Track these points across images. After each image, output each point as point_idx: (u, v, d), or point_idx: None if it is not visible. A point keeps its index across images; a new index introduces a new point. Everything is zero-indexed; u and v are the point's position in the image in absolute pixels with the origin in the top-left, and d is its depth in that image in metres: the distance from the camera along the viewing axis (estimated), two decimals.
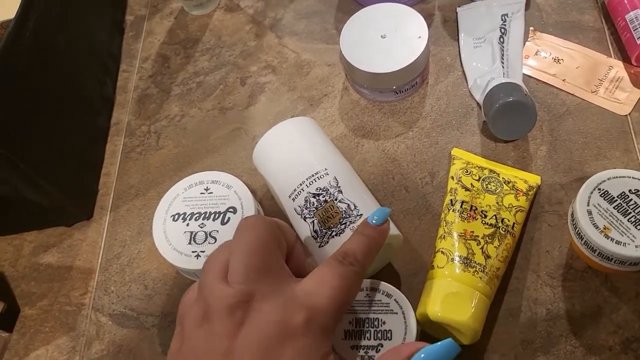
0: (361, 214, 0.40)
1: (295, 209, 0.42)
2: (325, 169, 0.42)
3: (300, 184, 0.42)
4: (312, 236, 0.41)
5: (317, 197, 0.41)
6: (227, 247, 0.34)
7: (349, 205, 0.41)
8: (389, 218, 0.41)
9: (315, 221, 0.41)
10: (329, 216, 0.41)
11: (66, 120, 0.52)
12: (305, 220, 0.41)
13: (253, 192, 0.47)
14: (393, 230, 0.41)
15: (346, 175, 0.43)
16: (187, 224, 0.44)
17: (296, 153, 0.44)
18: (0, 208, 0.50)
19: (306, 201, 0.41)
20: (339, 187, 0.42)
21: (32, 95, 0.47)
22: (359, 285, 0.35)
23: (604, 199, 0.41)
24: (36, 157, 0.47)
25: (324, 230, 0.40)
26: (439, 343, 0.32)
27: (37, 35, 0.47)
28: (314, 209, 0.41)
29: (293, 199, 0.42)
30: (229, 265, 0.32)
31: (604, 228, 0.40)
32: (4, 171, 0.44)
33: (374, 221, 0.37)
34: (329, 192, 0.41)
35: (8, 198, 0.48)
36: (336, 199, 0.41)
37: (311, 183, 0.42)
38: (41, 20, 0.48)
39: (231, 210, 0.45)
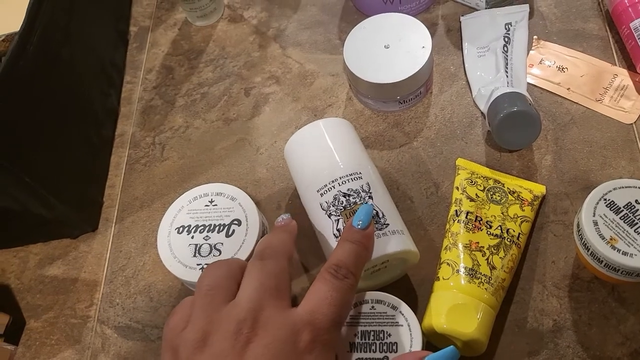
0: (387, 224, 0.40)
1: (321, 204, 0.42)
2: (360, 173, 0.43)
3: (333, 181, 0.42)
4: (334, 234, 0.41)
5: (347, 197, 0.41)
6: (224, 267, 0.34)
7: (377, 212, 0.41)
8: (404, 230, 0.41)
9: (341, 220, 0.41)
10: None
11: (70, 132, 0.52)
12: (329, 217, 0.41)
13: (257, 203, 0.47)
14: (412, 246, 0.41)
15: (377, 184, 0.43)
16: (192, 237, 0.44)
17: (336, 150, 0.44)
18: (6, 221, 0.50)
19: (335, 199, 0.41)
20: (370, 192, 0.42)
21: (37, 108, 0.47)
22: (353, 296, 0.36)
23: (610, 209, 0.40)
24: (41, 169, 0.47)
25: None
26: (441, 351, 0.32)
27: (42, 47, 0.47)
28: (341, 207, 0.41)
29: (321, 194, 0.42)
30: (241, 284, 0.33)
31: (611, 239, 0.39)
32: (9, 184, 0.45)
33: (359, 225, 0.37)
34: (360, 195, 0.41)
35: (13, 211, 0.48)
36: (366, 203, 0.41)
37: (344, 182, 0.42)
38: (46, 33, 0.48)
39: (236, 222, 0.45)
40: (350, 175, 0.42)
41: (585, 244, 0.41)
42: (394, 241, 0.40)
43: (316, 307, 0.33)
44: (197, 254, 0.44)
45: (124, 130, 0.58)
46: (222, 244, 0.44)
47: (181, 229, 0.45)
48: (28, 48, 0.45)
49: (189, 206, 0.46)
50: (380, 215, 0.41)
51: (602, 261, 0.40)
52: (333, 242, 0.40)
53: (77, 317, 0.49)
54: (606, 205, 0.41)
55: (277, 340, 0.30)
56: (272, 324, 0.31)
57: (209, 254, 0.44)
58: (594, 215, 0.40)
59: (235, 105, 0.57)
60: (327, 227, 0.41)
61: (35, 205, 0.47)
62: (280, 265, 0.34)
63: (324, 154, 0.44)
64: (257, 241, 0.44)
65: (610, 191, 0.41)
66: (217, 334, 0.31)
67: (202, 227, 0.45)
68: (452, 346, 0.32)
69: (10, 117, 0.44)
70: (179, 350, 0.31)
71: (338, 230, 0.40)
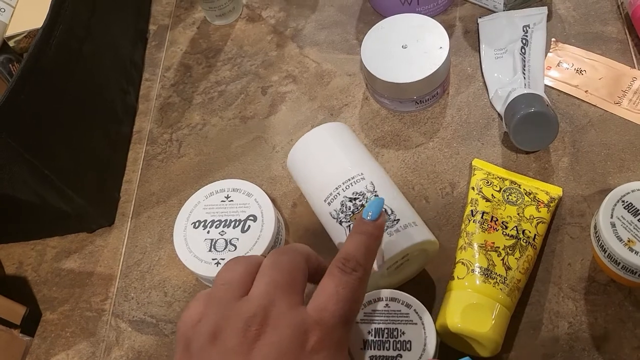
0: (398, 219, 0.40)
1: (330, 213, 0.42)
2: (361, 174, 0.43)
3: (336, 188, 0.42)
4: None
5: (354, 201, 0.41)
6: (243, 263, 0.34)
7: (385, 210, 0.41)
8: (417, 221, 0.40)
9: (352, 225, 0.41)
10: None
11: (90, 127, 0.52)
12: (341, 224, 0.41)
13: (273, 200, 0.47)
14: (428, 235, 0.41)
15: (382, 180, 0.43)
16: (208, 232, 0.45)
17: (332, 158, 0.44)
18: (25, 214, 0.50)
19: (342, 205, 0.41)
20: (375, 191, 0.42)
21: (58, 103, 0.48)
22: (365, 289, 0.34)
23: (628, 211, 0.40)
24: (60, 163, 0.47)
25: None
26: None
27: (64, 43, 0.48)
28: (350, 213, 0.41)
29: (329, 203, 0.42)
30: (254, 280, 0.32)
31: (628, 241, 0.39)
32: (30, 177, 0.45)
33: (369, 217, 0.36)
34: (365, 196, 0.41)
35: (32, 204, 0.48)
36: (376, 197, 0.41)
37: (347, 187, 0.42)
38: (67, 30, 0.48)
39: (251, 218, 0.45)
40: (353, 178, 0.42)
41: (603, 246, 0.40)
42: (409, 234, 0.40)
43: (323, 305, 0.32)
44: (212, 249, 0.44)
45: (142, 127, 0.59)
46: (237, 239, 0.44)
47: (197, 223, 0.45)
48: (51, 43, 0.46)
49: (206, 201, 0.46)
50: (390, 212, 0.41)
51: (619, 263, 0.40)
52: None
53: (92, 310, 0.50)
54: (624, 207, 0.40)
55: (284, 339, 0.30)
56: (281, 322, 0.30)
57: (225, 249, 0.44)
58: (611, 217, 0.40)
59: (252, 104, 0.58)
60: (340, 235, 0.41)
61: (54, 198, 0.48)
62: (295, 262, 0.33)
63: (323, 164, 0.44)
64: (273, 237, 0.44)
65: (629, 193, 0.41)
66: (227, 330, 0.30)
67: (218, 222, 0.45)
68: (467, 357, 0.32)
69: (31, 111, 0.44)
70: (191, 343, 0.31)
71: None
